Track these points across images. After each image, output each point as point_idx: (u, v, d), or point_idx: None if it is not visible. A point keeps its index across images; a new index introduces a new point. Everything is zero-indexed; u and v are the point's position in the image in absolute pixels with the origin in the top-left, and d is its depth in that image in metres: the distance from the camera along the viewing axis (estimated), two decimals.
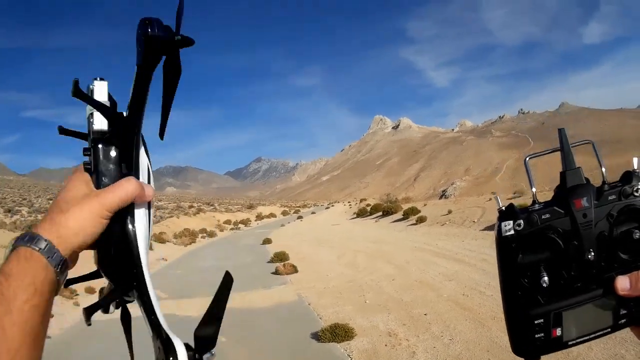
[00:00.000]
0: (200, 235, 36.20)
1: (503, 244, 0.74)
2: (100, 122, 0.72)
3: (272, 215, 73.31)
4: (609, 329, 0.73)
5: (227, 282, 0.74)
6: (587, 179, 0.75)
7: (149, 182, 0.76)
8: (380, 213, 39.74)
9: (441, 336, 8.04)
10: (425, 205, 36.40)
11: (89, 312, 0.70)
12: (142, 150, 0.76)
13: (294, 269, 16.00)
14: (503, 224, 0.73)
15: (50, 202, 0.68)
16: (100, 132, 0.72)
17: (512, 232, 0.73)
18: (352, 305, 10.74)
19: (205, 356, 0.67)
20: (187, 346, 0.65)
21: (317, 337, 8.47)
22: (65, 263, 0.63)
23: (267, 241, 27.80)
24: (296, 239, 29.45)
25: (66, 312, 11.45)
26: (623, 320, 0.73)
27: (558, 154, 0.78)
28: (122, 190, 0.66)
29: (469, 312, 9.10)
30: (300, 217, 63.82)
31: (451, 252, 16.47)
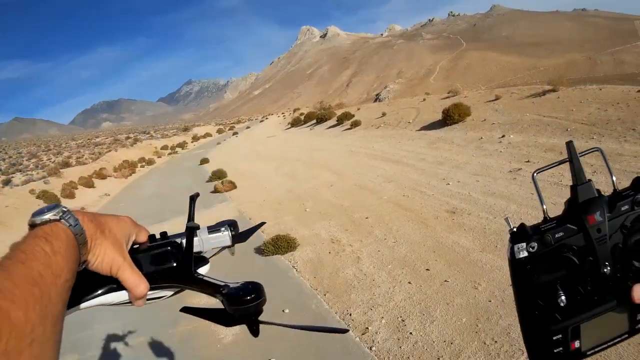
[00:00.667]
0: (139, 165, 35.48)
1: (517, 267, 0.72)
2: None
3: (207, 135, 71.99)
4: (627, 335, 0.73)
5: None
6: (598, 191, 0.73)
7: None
8: (315, 121, 39.50)
9: (385, 239, 7.91)
10: (359, 109, 36.20)
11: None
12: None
13: (233, 186, 15.63)
14: (516, 246, 0.72)
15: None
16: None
17: (525, 254, 0.71)
18: (292, 215, 10.49)
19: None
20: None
21: (260, 251, 8.19)
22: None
23: (204, 161, 27.32)
24: (233, 155, 28.92)
25: None
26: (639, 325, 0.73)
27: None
28: (134, 284, 0.75)
29: (411, 212, 8.99)
30: (235, 134, 63.05)
31: (388, 154, 16.40)
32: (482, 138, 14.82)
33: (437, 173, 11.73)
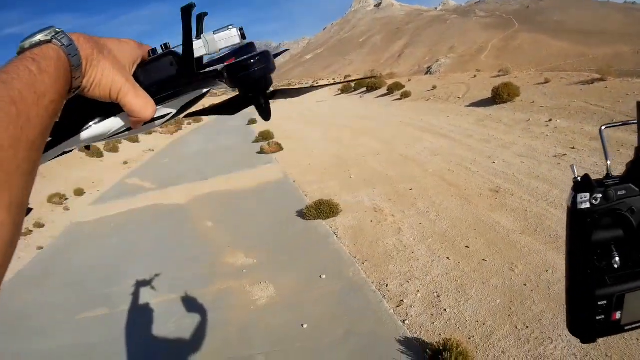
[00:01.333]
0: (186, 122, 35.65)
1: (578, 218, 0.69)
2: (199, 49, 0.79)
3: None
4: None
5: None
6: None
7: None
8: (365, 89, 39.04)
9: (427, 212, 7.93)
10: (409, 81, 35.64)
11: None
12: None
13: (279, 147, 15.75)
14: (579, 196, 0.70)
15: None
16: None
17: (588, 205, 0.69)
18: (337, 181, 10.60)
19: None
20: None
21: (302, 214, 8.34)
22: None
23: (252, 122, 27.14)
24: (281, 117, 28.99)
25: (57, 220, 11.70)
26: None
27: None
28: (139, 106, 0.68)
29: (455, 188, 8.96)
30: None
31: (436, 127, 16.20)
32: (529, 120, 14.44)
33: (483, 150, 11.57)
